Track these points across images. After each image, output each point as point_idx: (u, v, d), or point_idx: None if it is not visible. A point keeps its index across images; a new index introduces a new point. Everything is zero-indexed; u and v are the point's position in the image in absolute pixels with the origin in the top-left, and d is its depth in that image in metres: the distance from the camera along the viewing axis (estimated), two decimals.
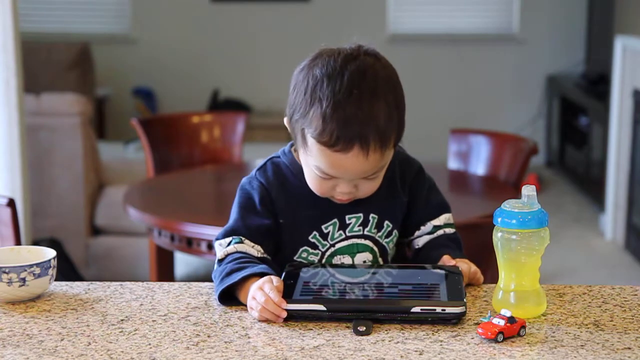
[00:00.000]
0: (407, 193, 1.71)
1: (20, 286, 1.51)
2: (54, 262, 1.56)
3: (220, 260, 1.60)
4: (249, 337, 1.38)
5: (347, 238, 1.66)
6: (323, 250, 1.66)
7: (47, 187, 4.08)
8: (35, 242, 3.84)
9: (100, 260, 4.11)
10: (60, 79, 5.83)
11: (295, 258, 1.66)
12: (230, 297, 1.52)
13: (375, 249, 1.68)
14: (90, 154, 4.11)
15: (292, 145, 1.68)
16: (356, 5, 6.82)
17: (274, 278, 1.48)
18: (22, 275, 1.51)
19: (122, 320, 1.45)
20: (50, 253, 1.58)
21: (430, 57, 6.89)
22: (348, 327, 1.40)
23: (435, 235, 1.71)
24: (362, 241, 1.67)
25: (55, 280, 1.58)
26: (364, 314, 1.41)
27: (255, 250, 1.61)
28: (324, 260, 1.65)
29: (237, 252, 1.60)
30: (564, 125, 6.55)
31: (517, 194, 2.68)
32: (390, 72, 1.58)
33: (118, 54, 6.83)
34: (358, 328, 1.38)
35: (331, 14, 6.79)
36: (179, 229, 2.60)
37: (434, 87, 6.90)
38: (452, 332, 1.39)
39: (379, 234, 1.68)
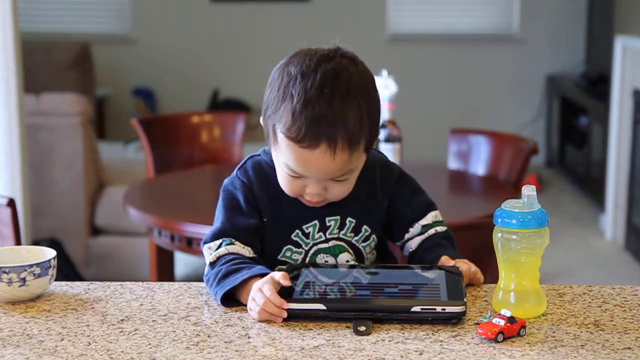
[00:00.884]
0: (387, 198, 1.70)
1: (20, 286, 1.51)
2: (54, 262, 1.56)
3: (213, 263, 1.58)
4: (249, 337, 1.38)
5: (327, 240, 1.66)
6: (306, 249, 1.65)
7: (47, 187, 4.07)
8: (35, 242, 3.84)
9: (100, 260, 4.11)
10: (60, 79, 5.82)
11: (279, 257, 1.65)
12: (231, 298, 1.51)
13: (351, 251, 1.67)
14: (90, 154, 4.11)
15: None
16: (356, 5, 6.82)
17: (277, 273, 1.47)
18: (22, 275, 1.51)
19: (122, 320, 1.45)
20: (50, 253, 1.57)
21: (430, 57, 6.88)
22: (348, 327, 1.40)
23: (427, 235, 1.70)
24: (340, 243, 1.66)
25: (55, 280, 1.58)
26: (364, 313, 1.41)
27: (246, 250, 1.60)
28: (307, 260, 1.65)
29: (229, 253, 1.58)
30: (564, 125, 6.55)
31: (517, 194, 2.68)
32: (367, 78, 1.56)
33: (118, 54, 6.83)
34: (358, 328, 1.38)
35: (331, 14, 6.79)
36: (179, 229, 2.60)
37: (434, 87, 6.90)
38: (452, 332, 1.39)
39: (356, 237, 1.67)
